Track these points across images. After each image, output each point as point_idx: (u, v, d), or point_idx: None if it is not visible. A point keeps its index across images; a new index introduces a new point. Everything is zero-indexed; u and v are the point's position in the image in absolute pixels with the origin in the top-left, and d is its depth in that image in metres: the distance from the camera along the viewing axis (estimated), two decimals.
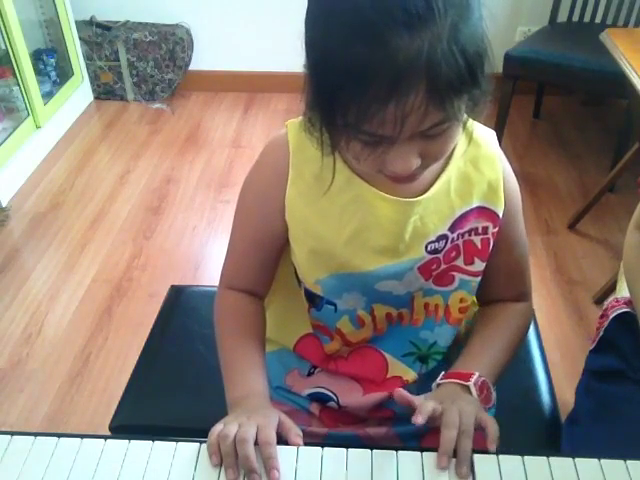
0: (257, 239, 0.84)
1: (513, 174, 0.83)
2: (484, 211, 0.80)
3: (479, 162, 0.79)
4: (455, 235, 0.80)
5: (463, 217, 0.79)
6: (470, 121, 0.68)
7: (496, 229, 0.82)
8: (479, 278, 0.85)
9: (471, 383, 0.75)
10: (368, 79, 0.56)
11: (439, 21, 0.55)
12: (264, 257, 0.85)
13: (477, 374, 0.76)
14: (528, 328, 0.92)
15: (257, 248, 0.84)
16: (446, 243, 0.80)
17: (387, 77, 0.55)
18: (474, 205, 0.79)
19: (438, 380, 0.79)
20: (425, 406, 0.69)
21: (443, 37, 0.56)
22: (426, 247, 0.79)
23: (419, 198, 0.76)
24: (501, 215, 0.81)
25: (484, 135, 0.80)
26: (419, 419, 0.67)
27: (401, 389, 0.73)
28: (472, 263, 0.83)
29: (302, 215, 0.79)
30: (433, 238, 0.79)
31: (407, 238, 0.78)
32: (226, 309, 0.87)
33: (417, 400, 0.72)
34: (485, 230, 0.81)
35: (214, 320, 0.88)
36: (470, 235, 0.81)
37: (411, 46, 0.55)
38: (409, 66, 0.55)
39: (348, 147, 0.64)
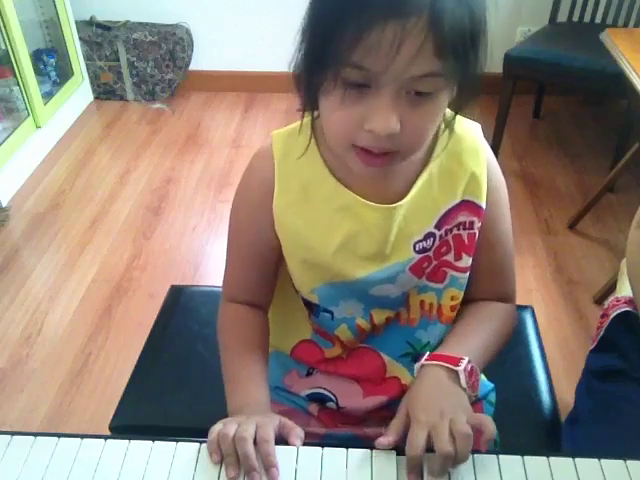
0: (253, 253, 0.83)
1: (498, 167, 0.81)
2: (469, 205, 0.79)
3: (462, 155, 0.77)
4: (442, 232, 0.79)
5: (449, 213, 0.78)
6: (453, 116, 0.68)
7: (480, 223, 0.80)
8: (467, 274, 0.83)
9: (461, 368, 0.71)
10: None
11: None
12: (262, 269, 0.84)
13: (467, 359, 0.72)
14: (512, 329, 0.87)
15: (254, 261, 0.83)
16: (434, 241, 0.79)
17: None
18: (459, 200, 0.78)
19: (422, 361, 0.74)
20: (393, 428, 0.68)
21: None
22: (414, 247, 0.78)
23: (402, 202, 0.75)
24: (484, 208, 0.79)
25: (467, 128, 0.79)
26: (384, 442, 0.66)
27: (380, 440, 0.67)
28: (460, 259, 0.82)
29: (291, 226, 0.78)
30: (420, 237, 0.78)
31: (393, 240, 0.77)
32: (228, 322, 0.87)
33: (395, 430, 0.68)
34: (471, 225, 0.80)
35: (217, 334, 0.87)
36: (458, 229, 0.80)
37: None
38: None
39: (329, 97, 0.63)
